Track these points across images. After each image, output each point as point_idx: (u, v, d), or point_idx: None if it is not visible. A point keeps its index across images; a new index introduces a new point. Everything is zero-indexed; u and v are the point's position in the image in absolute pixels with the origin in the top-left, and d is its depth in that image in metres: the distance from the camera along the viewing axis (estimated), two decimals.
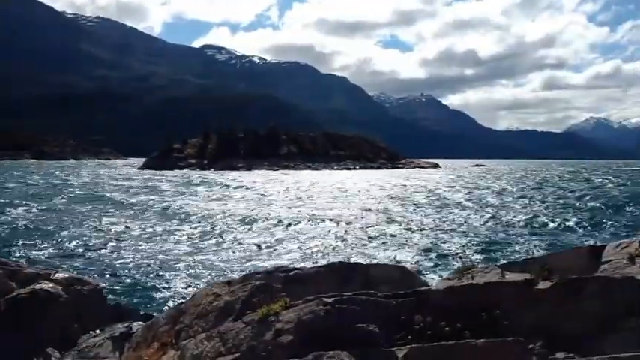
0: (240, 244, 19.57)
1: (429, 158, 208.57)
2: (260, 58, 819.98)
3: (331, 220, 27.25)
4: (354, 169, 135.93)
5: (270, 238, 20.82)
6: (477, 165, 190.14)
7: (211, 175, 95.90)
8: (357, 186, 58.25)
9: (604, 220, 27.89)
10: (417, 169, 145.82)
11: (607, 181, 73.58)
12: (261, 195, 45.50)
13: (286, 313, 5.10)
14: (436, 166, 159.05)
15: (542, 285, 5.27)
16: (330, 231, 23.14)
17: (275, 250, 18.25)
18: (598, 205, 36.36)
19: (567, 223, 26.20)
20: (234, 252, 17.81)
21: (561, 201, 40.29)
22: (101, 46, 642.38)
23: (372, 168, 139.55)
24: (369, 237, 21.17)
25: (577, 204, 37.04)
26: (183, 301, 7.92)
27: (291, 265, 10.85)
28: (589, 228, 24.93)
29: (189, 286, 12.94)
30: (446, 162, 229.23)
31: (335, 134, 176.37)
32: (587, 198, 43.12)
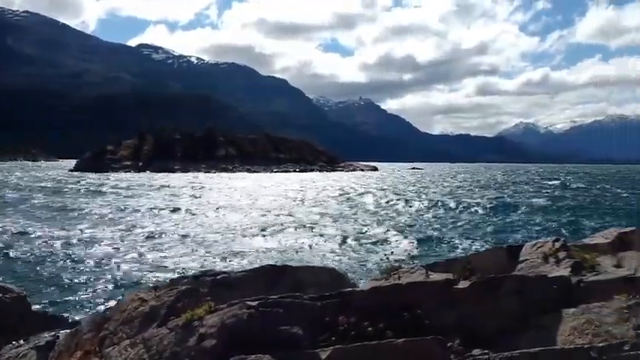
0: (170, 248, 19.06)
1: (367, 161, 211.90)
2: (198, 59, 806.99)
3: (262, 223, 27.03)
4: (294, 171, 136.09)
5: (200, 243, 20.39)
6: (413, 168, 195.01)
7: (145, 177, 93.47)
8: (293, 189, 58.26)
9: (529, 220, 29.25)
10: (356, 172, 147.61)
11: (528, 185, 77.25)
12: (193, 198, 44.71)
13: (210, 317, 5.04)
14: (375, 169, 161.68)
15: (462, 284, 5.44)
16: (260, 235, 22.92)
17: (205, 254, 17.88)
18: (522, 207, 38.12)
19: (493, 224, 27.29)
20: (164, 257, 17.34)
21: (493, 203, 41.86)
22: (29, 41, 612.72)
23: (311, 171, 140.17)
24: (300, 240, 21.13)
25: (504, 206, 38.56)
26: (110, 307, 7.69)
27: (220, 269, 10.71)
28: (511, 229, 26.03)
29: (118, 292, 12.54)
30: (384, 165, 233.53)
31: (276, 137, 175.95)
32: (511, 200, 45.05)
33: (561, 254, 6.46)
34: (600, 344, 4.27)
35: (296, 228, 25.05)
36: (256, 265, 9.08)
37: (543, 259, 6.55)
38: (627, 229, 8.58)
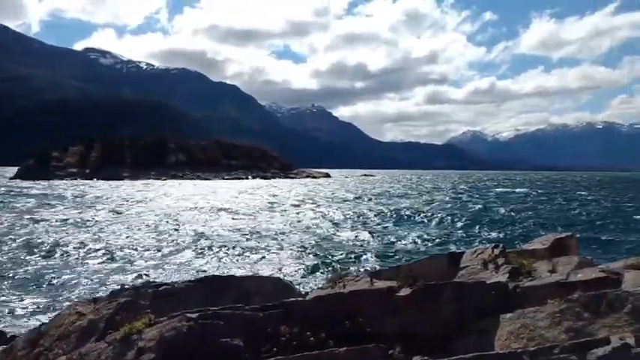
0: (111, 259, 18.37)
1: (320, 168, 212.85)
2: (147, 64, 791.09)
3: (207, 232, 26.55)
4: (246, 178, 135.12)
5: (143, 253, 19.72)
6: (364, 175, 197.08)
7: (91, 185, 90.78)
8: (239, 196, 57.76)
9: (474, 226, 30.01)
10: (309, 178, 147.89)
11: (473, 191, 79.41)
12: (138, 205, 43.65)
13: (149, 330, 4.92)
14: (327, 175, 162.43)
15: (404, 292, 5.51)
16: (205, 243, 22.38)
17: (148, 264, 17.27)
18: (464, 213, 39.09)
19: (439, 231, 27.84)
20: (104, 268, 16.67)
21: (444, 210, 42.72)
22: None
23: (264, 177, 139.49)
24: (246, 249, 20.80)
25: (452, 212, 39.44)
26: (46, 322, 7.38)
27: (163, 280, 10.46)
28: (457, 235, 26.64)
29: (56, 305, 12.05)
30: (336, 172, 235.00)
31: (226, 143, 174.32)
32: (456, 207, 46.19)
33: (500, 260, 6.66)
34: (533, 348, 4.40)
35: (243, 237, 24.70)
36: (201, 276, 8.93)
37: (483, 266, 6.73)
38: (563, 235, 8.94)
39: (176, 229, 27.64)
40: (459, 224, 31.15)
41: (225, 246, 21.43)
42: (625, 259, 7.89)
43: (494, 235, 26.78)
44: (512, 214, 38.38)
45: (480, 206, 45.70)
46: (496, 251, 6.87)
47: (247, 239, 23.93)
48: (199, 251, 20.03)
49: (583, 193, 73.63)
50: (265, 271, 15.72)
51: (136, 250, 20.42)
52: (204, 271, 15.43)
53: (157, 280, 10.14)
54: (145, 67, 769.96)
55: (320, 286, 7.51)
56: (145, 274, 15.13)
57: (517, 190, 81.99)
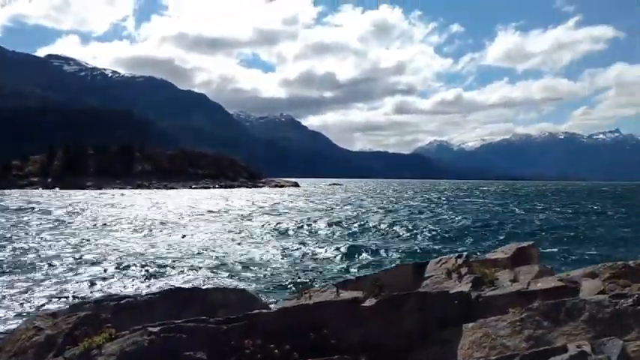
0: (72, 271, 17.73)
1: (289, 177, 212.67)
2: (113, 71, 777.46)
3: (170, 242, 26.04)
4: (214, 187, 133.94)
5: (105, 264, 19.10)
6: (333, 184, 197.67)
7: (52, 195, 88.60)
8: (204, 206, 57.13)
9: (440, 234, 30.38)
10: (277, 187, 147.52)
11: (440, 199, 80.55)
12: (97, 216, 42.70)
13: (110, 345, 4.81)
14: (296, 184, 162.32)
15: (369, 302, 5.54)
16: (169, 254, 21.87)
17: (110, 277, 16.66)
18: (425, 220, 39.59)
19: (406, 239, 28.07)
20: (65, 280, 16.07)
21: (410, 219, 43.13)
22: None
23: (232, 187, 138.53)
24: (211, 259, 20.44)
25: (418, 222, 39.87)
26: (2, 337, 7.15)
27: (125, 293, 10.26)
28: (425, 244, 26.89)
29: (13, 320, 11.64)
30: (305, 181, 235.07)
31: (194, 152, 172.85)
32: (423, 215, 46.73)
33: (463, 270, 6.76)
34: (494, 357, 4.47)
35: (207, 247, 24.32)
36: (165, 288, 8.78)
37: (447, 275, 6.82)
38: (525, 244, 9.12)
39: (138, 240, 27.08)
40: (425, 233, 31.43)
41: (190, 257, 21.06)
42: (584, 267, 8.11)
43: (458, 244, 27.09)
44: (476, 222, 38.96)
45: (444, 215, 46.26)
46: (459, 261, 6.97)
47: (211, 250, 23.58)
48: (163, 262, 19.56)
49: (545, 202, 75.32)
50: (230, 282, 15.49)
51: (96, 262, 19.86)
52: (168, 282, 15.07)
53: (119, 293, 9.89)
54: (110, 74, 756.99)
55: (286, 297, 7.48)
56: (107, 287, 14.66)
57: (481, 199, 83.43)
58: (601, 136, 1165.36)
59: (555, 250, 25.25)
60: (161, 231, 31.01)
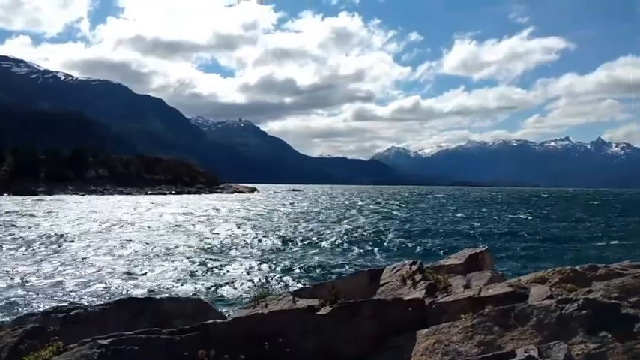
0: (16, 282, 16.78)
1: (248, 183, 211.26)
2: (66, 74, 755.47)
3: (121, 249, 25.35)
4: (170, 193, 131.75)
5: (52, 274, 18.18)
6: (293, 190, 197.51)
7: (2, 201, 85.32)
8: (158, 212, 56.04)
9: (393, 242, 30.73)
10: (236, 193, 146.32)
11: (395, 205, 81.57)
12: (40, 222, 41.24)
13: (57, 359, 4.66)
14: (254, 190, 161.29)
15: (324, 310, 5.55)
16: (120, 262, 21.24)
17: (58, 287, 15.86)
18: (383, 228, 40.04)
19: (362, 247, 28.20)
20: (9, 293, 15.22)
21: (368, 225, 43.46)
22: None
23: (189, 193, 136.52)
24: (165, 268, 19.90)
25: (375, 227, 40.25)
26: None
27: (75, 304, 9.93)
28: (379, 251, 27.09)
29: None
30: (264, 187, 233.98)
31: (150, 157, 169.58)
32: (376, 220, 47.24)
33: (418, 276, 6.85)
34: None
35: (161, 255, 23.77)
36: (117, 298, 8.57)
37: (402, 282, 6.90)
38: (478, 250, 9.32)
39: (88, 247, 26.27)
40: (382, 239, 31.74)
41: (143, 265, 20.54)
42: (535, 272, 8.35)
43: (414, 249, 27.43)
44: (432, 228, 39.61)
45: (401, 221, 46.85)
46: (414, 267, 7.06)
47: (166, 257, 23.05)
48: (115, 271, 18.99)
49: (499, 207, 77.24)
50: (185, 291, 15.19)
51: (43, 272, 19.09)
52: (121, 292, 14.63)
53: (67, 304, 9.59)
54: (63, 77, 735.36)
55: (242, 305, 7.41)
56: (55, 298, 14.00)
57: (436, 204, 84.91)
58: (552, 144, 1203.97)
59: (509, 254, 25.93)
60: (106, 241, 30.10)
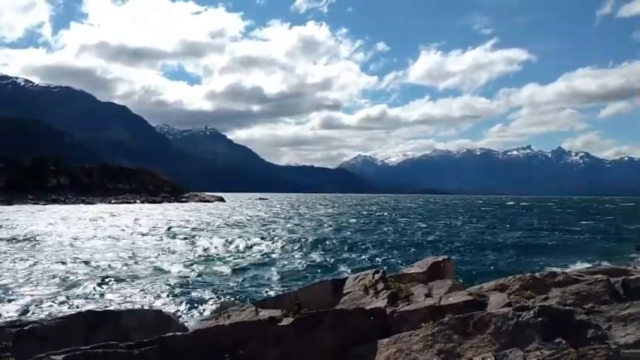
0: None
1: (214, 192, 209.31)
2: (26, 80, 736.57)
3: (78, 260, 24.60)
4: (134, 202, 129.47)
5: (8, 287, 17.47)
6: (259, 198, 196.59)
7: None
8: (118, 223, 54.86)
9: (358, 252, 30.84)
10: (201, 202, 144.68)
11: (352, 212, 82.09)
12: None
13: None
14: (221, 199, 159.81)
15: (286, 321, 5.53)
16: (78, 274, 20.59)
17: (11, 300, 15.21)
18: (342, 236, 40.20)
19: (328, 257, 28.16)
20: None
21: (333, 234, 43.51)
22: None
23: (154, 202, 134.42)
24: (124, 279, 19.34)
25: (340, 236, 40.33)
26: None
27: (29, 319, 9.65)
28: (344, 261, 27.05)
29: None
30: (231, 195, 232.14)
31: (113, 166, 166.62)
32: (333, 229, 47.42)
33: (380, 285, 6.90)
34: None
35: (120, 266, 23.15)
36: (74, 311, 8.34)
37: (364, 291, 6.94)
38: (440, 258, 9.45)
39: (42, 259, 25.48)
40: (345, 248, 31.70)
41: (103, 277, 20.02)
42: (497, 279, 8.50)
43: (378, 258, 27.47)
44: (397, 237, 39.87)
45: (366, 229, 47.05)
46: (377, 276, 7.10)
47: (126, 269, 22.52)
48: (72, 283, 18.40)
49: (463, 215, 78.39)
50: (146, 303, 14.86)
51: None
52: (79, 305, 14.20)
53: (21, 319, 9.26)
54: (23, 83, 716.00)
55: (205, 317, 7.32)
56: (7, 312, 13.43)
57: (401, 213, 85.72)
58: (514, 152, 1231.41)
59: (472, 262, 26.27)
60: (63, 251, 29.25)
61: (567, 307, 5.29)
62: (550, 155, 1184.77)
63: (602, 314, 5.59)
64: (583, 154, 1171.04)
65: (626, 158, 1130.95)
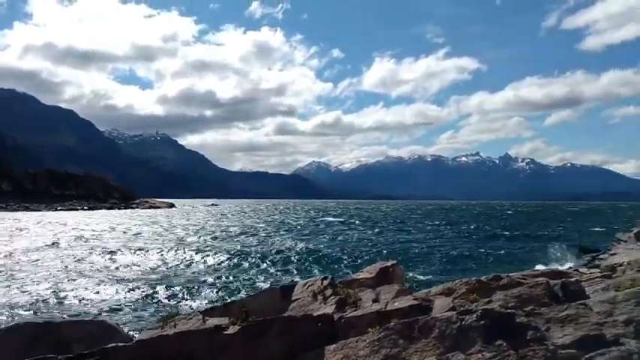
0: None
1: (165, 198, 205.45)
2: None
3: (17, 268, 23.67)
4: (82, 209, 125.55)
5: None
6: (212, 204, 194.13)
7: None
8: (61, 230, 53.04)
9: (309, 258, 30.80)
10: (152, 209, 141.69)
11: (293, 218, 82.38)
12: None
13: None
14: (172, 205, 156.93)
15: (232, 329, 5.47)
16: (17, 282, 19.78)
17: None
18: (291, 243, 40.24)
19: (279, 264, 27.99)
20: None
21: (282, 241, 43.39)
22: None
23: (102, 208, 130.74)
24: (66, 288, 18.63)
25: (290, 243, 40.17)
26: None
27: None
28: (294, 267, 26.96)
29: None
30: (182, 201, 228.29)
31: (60, 172, 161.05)
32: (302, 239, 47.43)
33: (328, 292, 6.92)
34: None
35: (62, 274, 22.34)
36: (12, 323, 8.00)
37: (313, 298, 6.94)
38: (389, 263, 9.55)
39: None
40: (294, 254, 31.60)
41: (43, 287, 19.23)
42: (444, 284, 8.66)
43: (328, 264, 27.46)
44: (348, 242, 40.12)
45: (316, 235, 47.08)
46: (325, 282, 7.12)
47: (69, 278, 21.67)
48: (9, 294, 17.57)
49: (414, 220, 79.66)
50: (90, 313, 14.36)
51: None
52: (14, 317, 13.57)
53: None
54: None
55: (151, 326, 7.15)
56: None
57: (354, 218, 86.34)
58: (464, 158, 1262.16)
59: (422, 266, 26.71)
60: (22, 256, 28.13)
61: (508, 310, 5.44)
62: (498, 161, 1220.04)
63: (542, 316, 5.77)
64: (529, 160, 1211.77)
65: (569, 165, 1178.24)
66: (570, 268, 21.57)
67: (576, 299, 6.76)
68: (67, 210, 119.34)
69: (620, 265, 19.51)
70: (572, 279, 9.74)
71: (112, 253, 31.79)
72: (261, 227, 61.08)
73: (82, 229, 53.48)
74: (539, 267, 25.49)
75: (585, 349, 4.84)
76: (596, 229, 56.10)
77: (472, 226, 62.78)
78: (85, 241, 39.51)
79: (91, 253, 31.67)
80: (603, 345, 4.84)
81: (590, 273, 14.53)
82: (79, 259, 28.31)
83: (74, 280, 21.50)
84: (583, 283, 9.92)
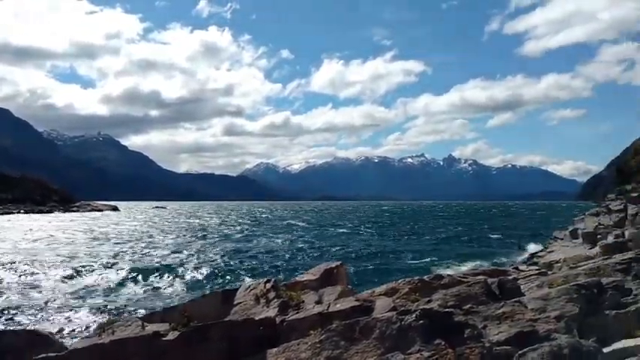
0: None
1: (108, 200, 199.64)
2: None
3: None
4: (18, 212, 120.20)
5: None
6: (156, 207, 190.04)
7: None
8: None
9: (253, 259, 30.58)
10: (94, 212, 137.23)
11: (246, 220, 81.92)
12: None
13: None
14: (115, 208, 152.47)
15: (171, 335, 5.35)
16: None
17: None
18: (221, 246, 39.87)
19: (221, 267, 27.60)
20: None
21: (225, 244, 42.95)
22: None
23: (40, 212, 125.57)
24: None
25: (233, 246, 39.67)
26: None
27: None
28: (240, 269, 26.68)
29: None
30: (126, 204, 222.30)
31: None
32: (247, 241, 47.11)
33: (271, 295, 6.88)
34: None
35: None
36: None
37: (255, 301, 6.89)
38: (333, 265, 9.59)
39: None
40: (237, 258, 31.16)
41: None
42: (387, 284, 8.77)
43: (272, 267, 27.22)
44: (292, 244, 40.06)
45: (259, 238, 46.67)
46: (268, 285, 7.07)
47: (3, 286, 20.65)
48: None
49: (360, 221, 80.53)
50: (21, 322, 13.69)
51: None
52: None
53: None
54: None
55: (88, 334, 6.91)
56: None
57: (299, 220, 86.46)
58: (409, 160, 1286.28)
59: (367, 267, 26.99)
60: None
61: (447, 309, 5.55)
62: (442, 163, 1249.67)
63: (480, 314, 5.92)
64: (472, 161, 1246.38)
65: (510, 166, 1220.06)
66: (511, 265, 22.38)
67: (512, 297, 7.00)
68: (1, 214, 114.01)
69: (557, 262, 20.36)
70: (510, 277, 10.10)
71: (51, 258, 30.45)
72: (201, 230, 60.28)
73: (19, 234, 51.13)
74: (479, 264, 26.35)
75: (519, 345, 4.99)
76: (535, 227, 58.37)
77: (413, 226, 63.98)
78: (19, 249, 37.66)
79: (26, 259, 30.23)
80: (536, 341, 5.01)
81: (529, 270, 15.14)
82: (9, 265, 26.93)
83: (7, 287, 20.50)
84: (520, 281, 10.33)
